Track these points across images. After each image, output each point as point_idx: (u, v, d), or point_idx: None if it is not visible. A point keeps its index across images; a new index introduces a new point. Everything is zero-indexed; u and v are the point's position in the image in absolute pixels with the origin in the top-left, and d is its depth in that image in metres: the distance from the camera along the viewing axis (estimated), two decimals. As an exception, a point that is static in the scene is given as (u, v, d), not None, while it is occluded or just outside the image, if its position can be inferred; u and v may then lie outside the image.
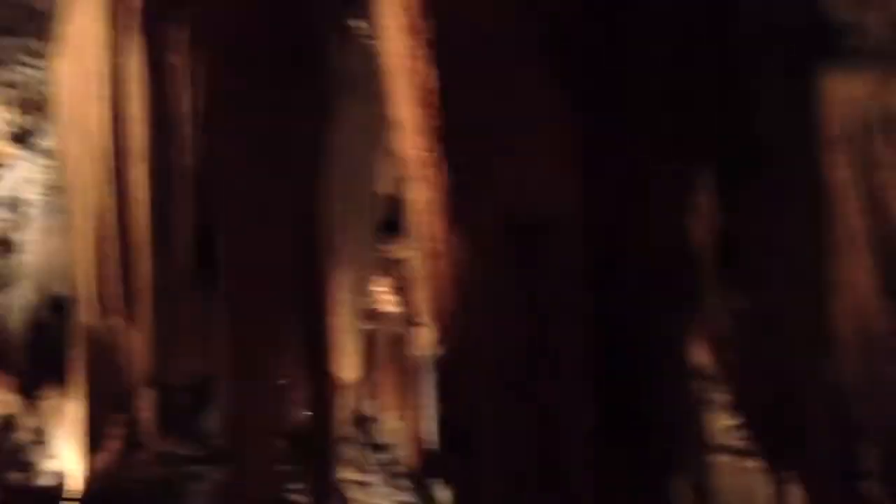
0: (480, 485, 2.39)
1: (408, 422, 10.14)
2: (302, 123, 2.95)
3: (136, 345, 6.54)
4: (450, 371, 2.52)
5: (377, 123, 7.42)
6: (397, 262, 10.75)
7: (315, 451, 3.03)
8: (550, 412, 2.30)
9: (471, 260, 2.28)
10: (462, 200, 2.25)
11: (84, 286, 7.11)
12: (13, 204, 10.64)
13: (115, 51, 6.69)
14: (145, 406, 6.25)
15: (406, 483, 8.33)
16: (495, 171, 2.26)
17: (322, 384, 3.02)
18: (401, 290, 10.63)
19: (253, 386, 2.88)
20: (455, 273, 2.49)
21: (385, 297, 10.62)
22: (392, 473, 8.12)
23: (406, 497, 8.03)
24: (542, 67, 2.34)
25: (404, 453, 9.45)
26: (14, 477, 8.92)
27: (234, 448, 2.89)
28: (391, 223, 9.73)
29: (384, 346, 10.03)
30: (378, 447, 4.65)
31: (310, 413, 2.95)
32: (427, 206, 2.61)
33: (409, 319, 10.66)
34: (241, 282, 2.93)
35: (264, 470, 2.92)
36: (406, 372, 10.32)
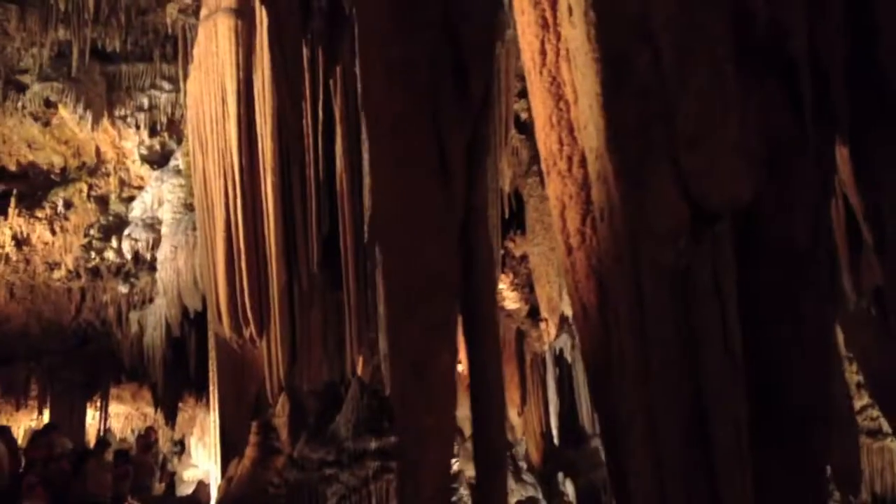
0: (629, 480, 2.33)
1: (530, 417, 10.11)
2: (462, 125, 2.95)
3: (269, 354, 6.71)
4: (594, 365, 2.46)
5: (497, 121, 7.48)
6: (518, 259, 10.74)
7: (484, 452, 3.02)
8: (702, 406, 2.21)
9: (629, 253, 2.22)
10: (638, 192, 2.19)
11: (218, 299, 7.36)
12: (149, 224, 11.08)
13: (243, 70, 6.92)
14: (279, 412, 6.40)
15: (530, 478, 8.26)
16: (679, 163, 2.19)
17: (487, 386, 3.01)
18: (521, 286, 10.60)
19: (422, 388, 2.87)
20: (595, 266, 2.44)
21: (506, 294, 10.61)
22: (516, 468, 8.05)
23: (530, 492, 7.96)
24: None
25: (526, 448, 9.42)
26: (157, 486, 9.25)
27: (408, 454, 2.89)
28: (510, 220, 9.75)
29: (506, 342, 10.01)
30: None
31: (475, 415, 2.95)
32: (562, 201, 2.57)
33: (530, 315, 10.63)
34: (405, 287, 2.92)
35: (439, 473, 2.92)
36: (527, 368, 10.30)
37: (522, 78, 5.32)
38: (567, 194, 2.61)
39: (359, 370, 6.23)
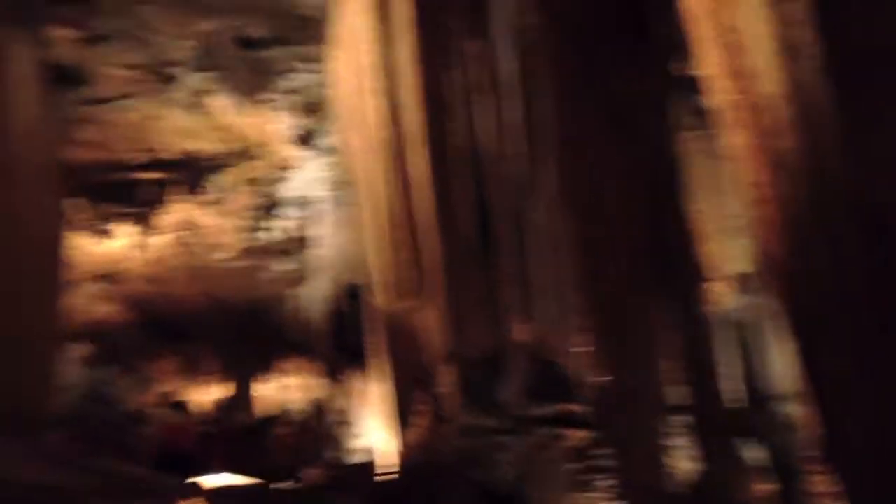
0: (842, 439, 2.17)
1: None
2: (649, 90, 2.87)
3: (432, 323, 6.75)
4: (802, 319, 2.29)
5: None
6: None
7: (709, 426, 2.96)
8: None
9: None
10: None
11: (377, 272, 7.49)
12: (304, 202, 11.41)
13: (386, 44, 6.93)
14: (446, 382, 6.44)
15: (710, 444, 8.01)
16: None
17: (702, 357, 2.92)
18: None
19: (628, 362, 2.84)
20: (789, 218, 2.27)
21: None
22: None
23: (710, 458, 7.71)
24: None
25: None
26: (329, 455, 9.58)
27: (612, 418, 2.87)
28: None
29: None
30: (676, 409, 4.51)
31: (691, 388, 2.86)
32: (748, 152, 2.40)
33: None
34: (602, 253, 2.88)
35: (649, 449, 2.89)
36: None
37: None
38: (755, 144, 2.43)
39: (521, 336, 6.17)
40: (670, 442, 4.60)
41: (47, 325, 8.69)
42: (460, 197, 6.67)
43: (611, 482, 5.38)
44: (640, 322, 3.06)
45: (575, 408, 5.62)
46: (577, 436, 5.51)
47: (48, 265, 8.83)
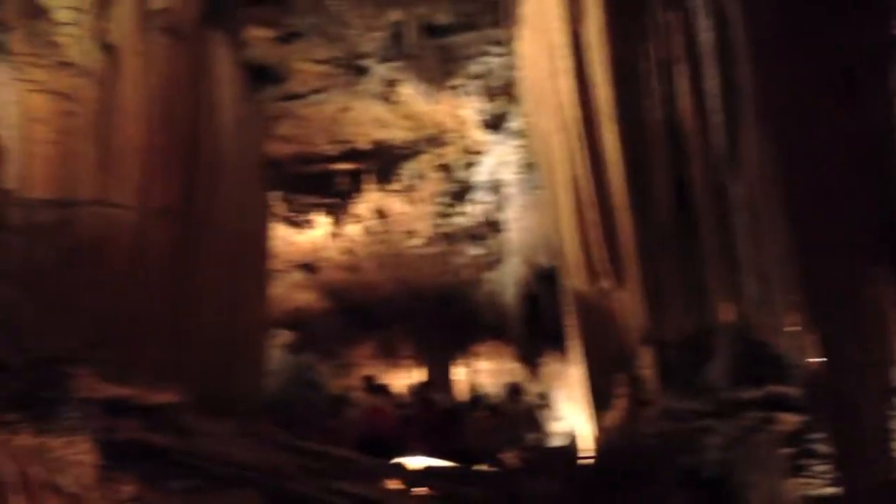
0: None
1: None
2: (868, 49, 2.72)
3: (629, 305, 6.67)
4: None
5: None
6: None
7: None
8: None
9: None
10: None
11: (569, 254, 7.45)
12: (494, 186, 11.53)
13: (575, 22, 6.88)
14: (645, 364, 6.33)
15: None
16: None
17: None
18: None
19: (846, 341, 2.72)
20: None
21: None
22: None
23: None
24: None
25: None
26: (529, 438, 9.64)
27: (835, 412, 2.77)
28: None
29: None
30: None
31: None
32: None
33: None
34: (818, 225, 2.77)
35: (869, 434, 2.77)
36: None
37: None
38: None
39: (724, 316, 5.98)
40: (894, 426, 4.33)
41: (256, 314, 9.23)
42: (655, 173, 6.53)
43: (826, 468, 5.14)
44: (862, 298, 2.88)
45: (787, 390, 5.38)
46: (790, 419, 5.27)
47: (255, 256, 9.39)
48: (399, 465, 6.91)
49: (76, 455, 4.83)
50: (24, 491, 4.84)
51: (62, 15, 7.66)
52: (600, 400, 7.03)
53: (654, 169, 6.56)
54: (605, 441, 6.55)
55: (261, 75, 11.75)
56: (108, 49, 7.78)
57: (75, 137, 7.56)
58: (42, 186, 7.35)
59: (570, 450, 7.99)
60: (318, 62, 11.86)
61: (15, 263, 6.52)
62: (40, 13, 7.63)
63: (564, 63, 7.07)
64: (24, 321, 5.47)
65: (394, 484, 6.29)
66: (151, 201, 7.70)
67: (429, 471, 6.75)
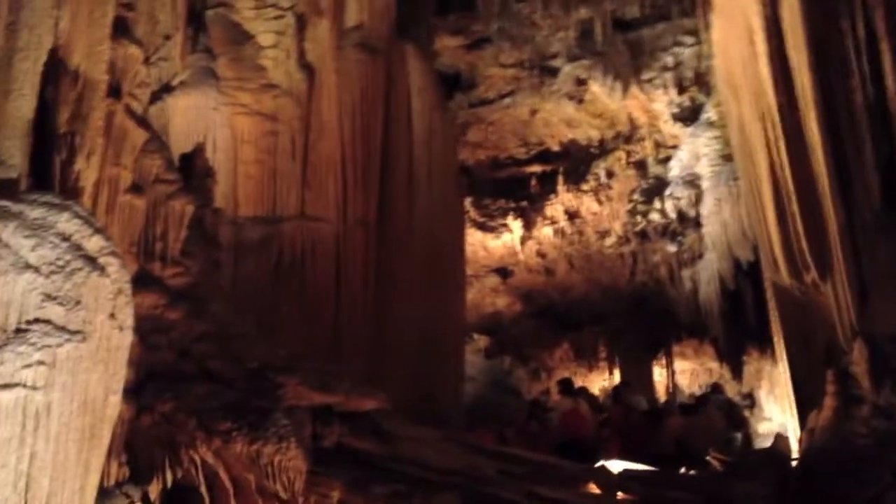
0: None
1: None
2: None
3: (836, 298, 6.44)
4: None
5: None
6: None
7: None
8: None
9: None
10: None
11: (771, 247, 7.26)
12: (689, 181, 11.34)
13: (769, 6, 6.73)
14: (856, 359, 6.10)
15: None
16: None
17: None
18: None
19: None
20: None
21: None
22: None
23: None
24: None
25: None
26: (734, 440, 9.43)
27: None
28: None
29: None
30: None
31: None
32: None
33: None
34: None
35: None
36: None
37: None
38: None
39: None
40: None
41: (453, 320, 9.51)
42: (861, 159, 6.27)
43: None
44: None
45: None
46: None
47: (454, 262, 9.69)
48: (599, 469, 6.90)
49: (287, 461, 5.21)
50: (239, 496, 5.28)
51: (265, 39, 8.28)
52: (808, 399, 6.81)
53: (859, 154, 6.31)
54: (813, 441, 6.34)
55: (451, 83, 12.14)
56: (308, 68, 8.33)
57: (279, 156, 8.13)
58: (249, 205, 7.94)
59: (777, 451, 7.73)
60: (507, 66, 12.11)
61: (226, 279, 7.01)
62: (245, 39, 8.28)
63: (761, 47, 6.92)
64: (237, 334, 5.86)
65: (594, 488, 6.32)
66: (351, 214, 8.13)
67: (629, 474, 6.71)
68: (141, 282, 5.38)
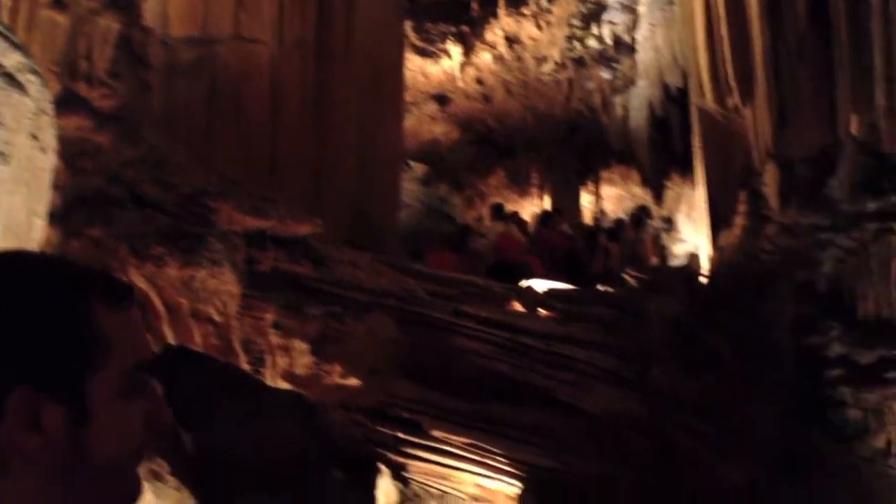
0: None
1: None
2: None
3: (755, 122, 6.65)
4: None
5: None
6: None
7: None
8: None
9: None
10: None
11: (698, 71, 7.39)
12: (627, 5, 11.25)
13: None
14: (768, 180, 6.37)
15: None
16: None
17: None
18: None
19: None
20: None
21: None
22: None
23: None
24: None
25: None
26: (653, 260, 9.82)
27: None
28: None
29: None
30: None
31: None
32: None
33: None
34: None
35: None
36: None
37: None
38: None
39: (853, 129, 5.90)
40: None
41: (393, 147, 9.51)
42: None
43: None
44: None
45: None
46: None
47: (393, 87, 9.54)
48: (525, 289, 7.13)
49: (220, 285, 5.33)
50: (172, 321, 5.40)
51: None
52: (721, 220, 7.11)
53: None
54: (722, 259, 6.69)
55: None
56: None
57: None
58: (181, 24, 7.67)
59: (689, 269, 8.12)
60: None
61: (157, 103, 6.87)
62: None
63: None
64: (169, 159, 5.82)
65: (519, 307, 6.57)
66: (287, 35, 7.92)
67: (553, 293, 6.98)
68: (65, 103, 5.29)
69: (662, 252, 10.58)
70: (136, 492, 0.83)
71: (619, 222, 11.22)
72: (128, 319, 0.81)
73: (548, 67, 12.73)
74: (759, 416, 4.90)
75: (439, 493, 5.42)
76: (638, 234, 10.12)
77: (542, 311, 6.56)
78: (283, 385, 5.45)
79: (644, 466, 4.83)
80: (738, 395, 5.01)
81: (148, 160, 5.71)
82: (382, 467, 5.39)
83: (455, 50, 13.17)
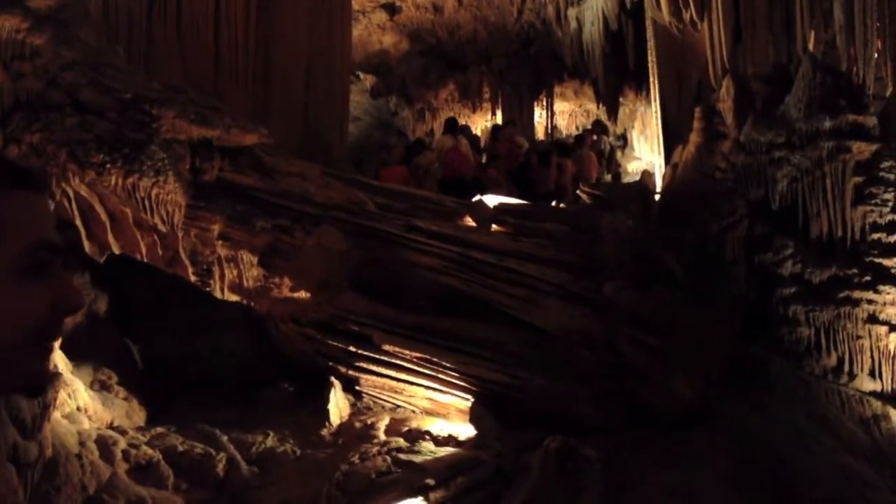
0: None
1: None
2: None
3: (711, 37, 6.59)
4: None
5: None
6: None
7: None
8: None
9: None
10: None
11: (656, -16, 7.26)
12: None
13: None
14: (723, 96, 6.34)
15: None
16: None
17: None
18: None
19: None
20: None
21: None
22: None
23: None
24: None
25: None
26: (606, 177, 9.84)
27: None
28: None
29: None
30: None
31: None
32: None
33: None
34: None
35: None
36: None
37: None
38: None
39: (810, 46, 5.87)
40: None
41: (342, 56, 9.26)
42: None
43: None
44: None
45: (863, 119, 5.38)
46: (864, 148, 5.32)
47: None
48: (477, 203, 7.07)
49: (164, 195, 5.19)
50: (116, 230, 5.27)
51: None
52: (676, 137, 7.09)
53: None
54: (676, 176, 6.68)
55: None
56: None
57: None
58: None
59: (642, 185, 8.14)
60: None
61: (95, 4, 6.60)
62: None
63: None
64: (109, 63, 5.60)
65: (470, 221, 6.51)
66: None
67: (504, 207, 6.93)
68: (0, 3, 5.07)
69: (617, 170, 10.61)
70: (34, 377, 0.80)
71: (578, 138, 11.17)
72: (26, 202, 0.78)
73: (502, -23, 12.47)
74: (710, 333, 4.94)
75: (392, 406, 5.45)
76: (587, 152, 10.08)
77: (494, 227, 6.50)
78: (232, 297, 5.40)
79: (594, 381, 4.87)
80: (690, 311, 5.03)
81: (87, 62, 5.47)
82: (334, 380, 5.40)
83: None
